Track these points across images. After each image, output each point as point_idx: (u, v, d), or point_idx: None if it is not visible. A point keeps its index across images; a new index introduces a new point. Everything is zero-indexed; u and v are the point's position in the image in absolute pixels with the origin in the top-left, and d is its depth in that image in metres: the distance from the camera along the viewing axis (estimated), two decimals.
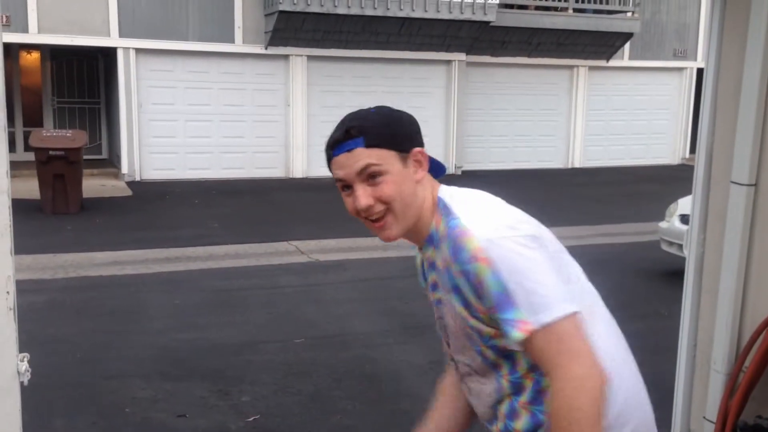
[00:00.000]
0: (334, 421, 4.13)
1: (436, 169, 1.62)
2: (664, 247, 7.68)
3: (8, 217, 1.94)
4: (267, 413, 4.20)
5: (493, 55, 15.75)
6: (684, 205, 7.61)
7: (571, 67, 16.67)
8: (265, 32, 13.93)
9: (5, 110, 1.94)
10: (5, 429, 2.08)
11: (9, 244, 1.95)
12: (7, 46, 13.59)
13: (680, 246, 7.10)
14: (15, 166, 12.53)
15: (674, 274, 6.09)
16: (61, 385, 4.49)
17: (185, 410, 4.21)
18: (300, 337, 5.44)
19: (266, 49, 14.02)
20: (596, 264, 8.76)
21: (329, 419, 4.15)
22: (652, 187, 14.32)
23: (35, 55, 14.98)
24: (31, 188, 10.62)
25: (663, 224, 7.80)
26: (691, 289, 3.07)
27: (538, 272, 1.44)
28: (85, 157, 10.86)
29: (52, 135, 10.38)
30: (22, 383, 2.13)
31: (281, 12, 13.16)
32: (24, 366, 2.10)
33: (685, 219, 7.31)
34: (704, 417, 2.97)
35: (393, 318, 5.77)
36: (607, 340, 1.59)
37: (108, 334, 5.48)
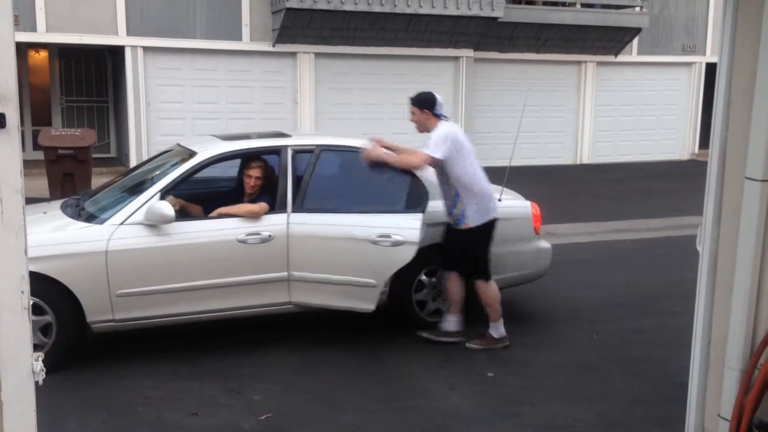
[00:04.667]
0: (346, 419, 4.13)
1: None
2: None
3: (22, 217, 1.94)
4: (279, 411, 4.20)
5: (500, 51, 15.70)
6: None
7: (579, 62, 16.60)
8: (273, 30, 13.92)
9: (18, 111, 1.94)
10: (21, 427, 2.08)
11: (23, 244, 1.96)
12: (16, 45, 13.60)
13: None
14: (24, 165, 12.56)
15: (688, 269, 6.08)
16: (74, 385, 4.51)
17: (198, 409, 4.22)
18: (310, 336, 5.44)
19: (274, 46, 14.01)
20: (607, 260, 8.73)
21: (340, 417, 4.15)
22: (662, 183, 14.27)
23: (44, 54, 15.03)
24: (40, 187, 10.66)
25: None
26: (705, 286, 3.05)
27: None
28: (93, 155, 10.88)
29: (61, 134, 10.41)
30: (36, 383, 2.13)
31: (288, 9, 13.15)
32: (39, 365, 2.11)
33: None
34: (719, 414, 2.95)
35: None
36: None
37: (120, 333, 5.49)
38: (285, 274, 5.01)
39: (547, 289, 6.57)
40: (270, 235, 4.99)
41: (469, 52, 15.25)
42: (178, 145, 5.81)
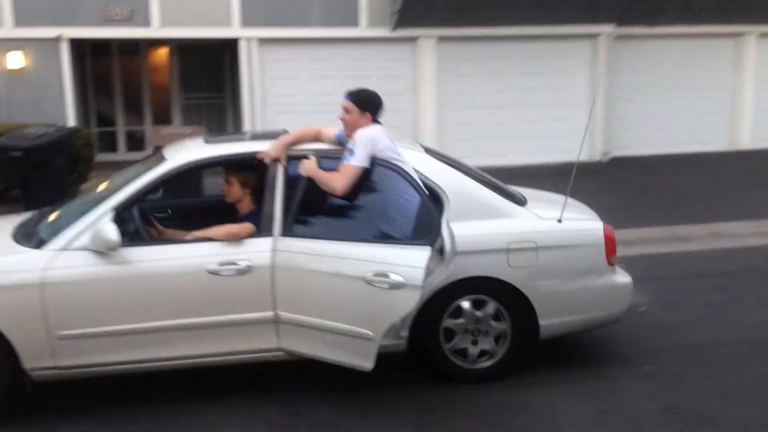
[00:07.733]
0: None
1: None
2: None
3: None
4: None
5: (646, 24, 14.02)
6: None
7: (739, 34, 14.65)
8: (392, 13, 13.05)
9: None
10: None
11: None
12: (134, 43, 13.53)
13: None
14: None
15: None
16: None
17: None
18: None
19: (393, 31, 13.14)
20: None
21: None
22: None
23: (163, 52, 14.94)
24: None
25: None
26: None
27: None
28: None
29: (171, 132, 10.22)
30: None
31: None
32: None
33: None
34: None
35: None
36: None
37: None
38: (271, 314, 3.96)
39: (727, 311, 5.22)
40: (249, 266, 3.93)
41: (609, 28, 13.72)
42: (158, 149, 4.86)
